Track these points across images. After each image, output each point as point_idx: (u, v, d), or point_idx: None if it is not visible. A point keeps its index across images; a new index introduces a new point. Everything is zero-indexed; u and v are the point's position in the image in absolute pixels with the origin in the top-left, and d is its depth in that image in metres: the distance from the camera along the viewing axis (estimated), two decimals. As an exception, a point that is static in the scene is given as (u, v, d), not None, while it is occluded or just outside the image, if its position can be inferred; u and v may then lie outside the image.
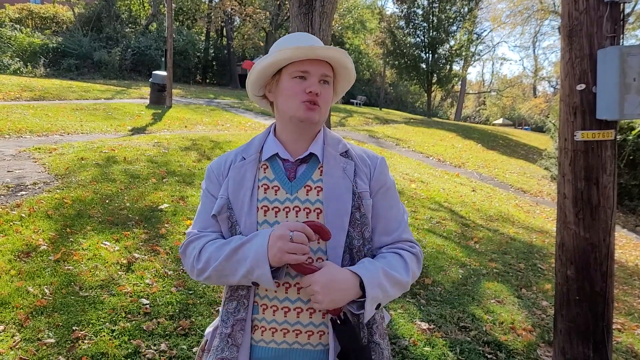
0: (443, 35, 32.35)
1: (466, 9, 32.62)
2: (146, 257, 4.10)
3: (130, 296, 3.43)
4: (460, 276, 4.76)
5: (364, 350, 1.24)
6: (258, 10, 29.26)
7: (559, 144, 3.04)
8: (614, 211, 2.86)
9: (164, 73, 14.78)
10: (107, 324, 3.07)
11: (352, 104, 30.42)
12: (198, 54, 31.06)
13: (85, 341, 2.87)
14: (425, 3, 32.28)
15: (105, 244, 4.20)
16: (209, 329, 1.41)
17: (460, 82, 43.24)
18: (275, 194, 1.30)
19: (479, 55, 40.89)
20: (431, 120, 27.56)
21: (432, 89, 35.03)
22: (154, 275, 3.81)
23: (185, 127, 11.97)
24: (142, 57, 25.53)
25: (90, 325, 3.03)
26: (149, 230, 4.64)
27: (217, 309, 3.41)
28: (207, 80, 33.29)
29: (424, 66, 33.11)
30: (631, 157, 9.98)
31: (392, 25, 33.35)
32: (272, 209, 1.29)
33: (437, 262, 5.01)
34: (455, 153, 15.09)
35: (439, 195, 8.34)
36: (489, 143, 20.00)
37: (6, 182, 5.60)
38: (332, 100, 1.38)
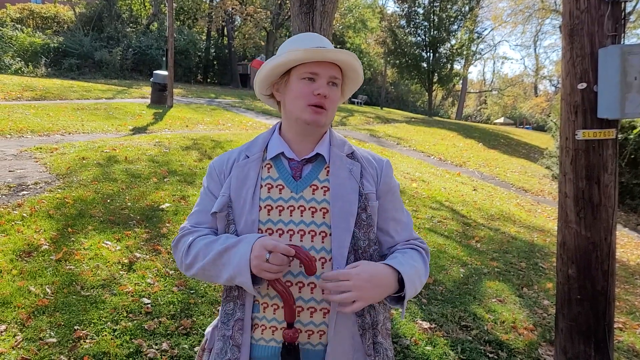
0: (444, 34, 32.32)
1: (467, 8, 32.59)
2: (147, 256, 4.11)
3: (131, 296, 3.44)
4: (462, 275, 4.76)
5: None
6: (259, 9, 29.26)
7: (560, 143, 3.04)
8: (615, 210, 2.85)
9: (165, 72, 14.78)
10: (109, 323, 3.07)
11: (353, 103, 30.40)
12: (199, 53, 31.05)
13: (87, 341, 2.87)
14: (426, 2, 32.25)
15: (106, 244, 4.20)
16: (209, 329, 1.42)
17: (461, 81, 43.21)
18: (280, 193, 1.30)
19: (480, 54, 40.89)
20: (432, 120, 27.56)
21: (433, 88, 35.00)
22: (155, 274, 3.82)
23: (187, 126, 11.97)
24: (143, 57, 25.53)
25: (92, 325, 3.03)
26: (150, 230, 4.64)
27: (218, 308, 3.42)
28: (208, 80, 33.29)
29: (425, 65, 33.08)
30: (632, 156, 9.96)
31: (393, 25, 33.32)
32: (276, 208, 1.29)
33: (439, 262, 5.01)
34: (457, 152, 15.08)
35: (440, 194, 8.33)
36: (490, 142, 19.98)
37: (7, 182, 5.60)
38: (339, 101, 1.39)
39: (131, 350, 2.82)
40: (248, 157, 1.37)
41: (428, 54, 33.05)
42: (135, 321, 3.12)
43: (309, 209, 1.28)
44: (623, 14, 2.74)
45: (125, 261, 3.95)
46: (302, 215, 1.28)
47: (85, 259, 3.90)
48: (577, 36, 2.81)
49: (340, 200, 1.28)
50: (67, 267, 3.73)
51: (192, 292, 3.61)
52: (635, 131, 9.91)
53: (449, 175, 11.05)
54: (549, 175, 13.96)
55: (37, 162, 6.69)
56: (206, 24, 32.69)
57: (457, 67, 37.46)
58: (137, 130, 10.52)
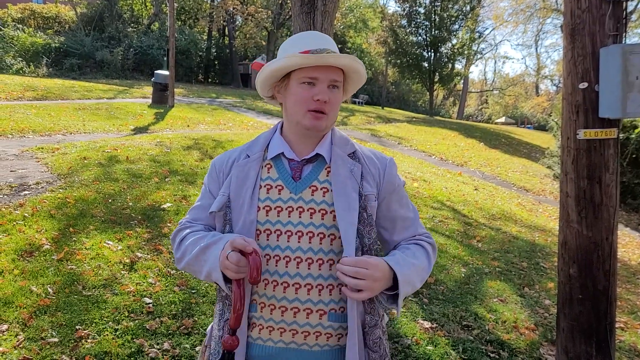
0: (445, 34, 32.32)
1: (468, 8, 32.58)
2: (149, 256, 4.11)
3: (133, 295, 3.44)
4: (463, 275, 4.76)
5: None
6: (260, 9, 29.26)
7: (561, 143, 3.04)
8: (616, 210, 2.85)
9: (166, 72, 14.79)
10: (110, 323, 3.08)
11: (355, 102, 30.40)
12: (200, 53, 31.06)
13: (89, 340, 2.88)
14: (427, 1, 32.25)
15: (108, 244, 4.21)
16: (210, 327, 1.44)
17: (462, 81, 43.18)
18: (279, 194, 1.30)
19: (481, 53, 40.90)
20: (433, 119, 27.54)
21: (434, 87, 35.01)
22: (156, 274, 3.82)
23: (188, 126, 11.98)
24: (144, 57, 25.55)
25: (94, 325, 3.04)
26: (151, 230, 4.65)
27: (219, 308, 3.42)
28: (209, 80, 33.30)
29: (426, 65, 33.09)
30: (634, 156, 9.95)
31: (394, 24, 33.32)
32: (275, 209, 1.29)
33: (440, 261, 5.00)
34: (458, 152, 15.08)
35: (441, 194, 8.33)
36: (491, 142, 19.97)
37: (9, 182, 5.61)
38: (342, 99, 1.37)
39: (133, 349, 2.82)
40: (249, 157, 1.36)
41: (429, 53, 33.05)
42: (136, 321, 3.13)
43: (308, 210, 1.28)
44: (624, 13, 2.74)
45: (127, 261, 3.95)
46: (300, 217, 1.27)
47: (87, 258, 3.90)
48: (578, 36, 2.81)
49: (343, 196, 1.28)
50: (69, 266, 3.74)
51: (193, 291, 3.61)
52: (636, 131, 9.89)
53: (450, 174, 11.04)
54: (550, 175, 13.94)
55: (38, 162, 6.70)
56: (207, 24, 32.72)
57: (458, 66, 37.44)
58: (139, 130, 10.53)
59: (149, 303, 3.37)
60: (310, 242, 1.26)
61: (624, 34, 2.74)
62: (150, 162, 7.02)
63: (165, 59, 23.97)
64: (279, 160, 1.34)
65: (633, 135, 9.89)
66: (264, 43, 34.01)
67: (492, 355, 3.32)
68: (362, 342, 1.27)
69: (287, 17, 30.40)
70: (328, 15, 4.64)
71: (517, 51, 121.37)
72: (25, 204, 4.86)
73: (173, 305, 3.38)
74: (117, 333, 2.98)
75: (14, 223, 4.40)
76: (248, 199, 1.30)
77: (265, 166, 1.34)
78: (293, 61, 1.25)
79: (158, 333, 3.03)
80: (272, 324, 1.27)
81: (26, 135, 8.77)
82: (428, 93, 36.49)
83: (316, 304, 1.25)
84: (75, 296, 3.34)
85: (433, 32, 32.18)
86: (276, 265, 1.26)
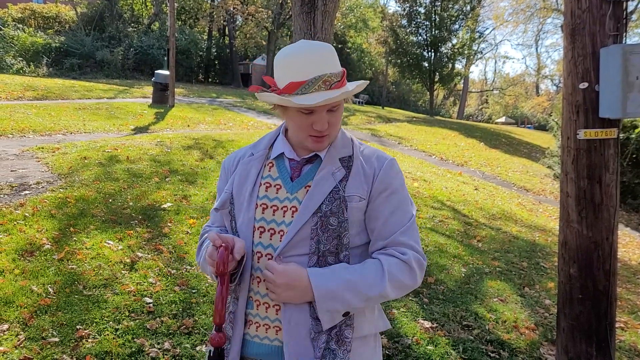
0: (445, 34, 32.34)
1: (468, 7, 32.60)
2: (149, 256, 4.11)
3: (133, 295, 3.44)
4: (463, 275, 4.76)
5: None
6: (260, 9, 29.26)
7: (561, 143, 3.04)
8: (617, 209, 2.85)
9: (166, 72, 14.80)
10: (111, 322, 3.08)
11: (355, 102, 30.40)
12: (200, 53, 31.08)
13: (89, 340, 2.88)
14: (428, 1, 32.27)
15: (108, 243, 4.21)
16: None
17: (462, 81, 43.19)
18: (277, 193, 1.30)
19: (482, 53, 40.86)
20: (433, 119, 27.54)
21: (435, 87, 35.02)
22: (157, 274, 3.82)
23: (188, 126, 11.99)
24: (144, 57, 25.57)
25: (94, 324, 3.04)
26: (152, 229, 4.65)
27: (220, 307, 3.42)
28: (210, 79, 33.31)
29: (426, 65, 33.10)
30: (634, 156, 9.95)
31: (394, 24, 33.33)
32: (271, 207, 1.29)
33: (440, 261, 5.01)
34: (458, 152, 15.08)
35: (442, 193, 8.33)
36: (491, 141, 19.97)
37: (10, 182, 5.62)
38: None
39: (133, 349, 2.82)
40: (252, 155, 1.39)
41: (429, 53, 33.07)
42: (137, 320, 3.13)
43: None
44: (625, 13, 2.74)
45: (127, 261, 3.95)
46: (292, 217, 1.26)
47: (87, 258, 3.91)
48: (578, 36, 2.81)
49: (309, 199, 1.25)
50: (69, 266, 3.74)
51: (193, 291, 3.62)
52: (637, 130, 9.89)
53: (451, 174, 11.05)
54: (550, 175, 13.94)
55: (39, 161, 6.71)
56: (207, 24, 32.72)
57: (459, 66, 37.44)
58: (139, 130, 10.53)
59: (150, 303, 3.37)
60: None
61: (624, 34, 2.74)
62: (150, 162, 7.02)
63: (165, 58, 23.98)
64: (281, 159, 1.35)
65: (633, 135, 9.89)
66: (264, 43, 34.01)
67: (492, 355, 3.32)
68: (303, 341, 1.23)
69: (288, 17, 30.41)
70: (328, 15, 4.65)
71: (517, 51, 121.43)
72: (25, 204, 4.86)
73: (173, 305, 3.38)
74: (118, 333, 2.98)
75: (15, 223, 4.40)
76: (248, 196, 1.31)
77: (268, 165, 1.35)
78: (285, 103, 1.21)
79: (158, 333, 3.04)
80: (268, 322, 1.27)
81: (26, 135, 8.77)
82: (428, 93, 36.50)
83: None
84: (76, 296, 3.34)
85: (433, 32, 32.20)
86: None
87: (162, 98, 14.64)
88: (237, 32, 32.82)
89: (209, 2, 32.92)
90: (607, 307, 2.87)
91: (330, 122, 1.26)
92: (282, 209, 1.28)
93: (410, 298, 4.03)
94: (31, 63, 20.96)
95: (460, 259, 5.20)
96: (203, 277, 3.84)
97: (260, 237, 1.28)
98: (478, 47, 37.68)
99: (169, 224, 4.83)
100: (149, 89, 17.31)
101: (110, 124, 10.81)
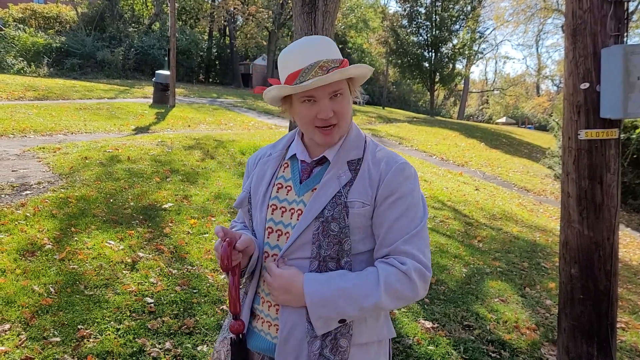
0: (446, 34, 32.36)
1: (469, 8, 32.61)
2: (150, 256, 4.12)
3: (134, 295, 3.45)
4: (464, 275, 4.76)
5: None
6: (261, 9, 29.28)
7: (562, 143, 3.04)
8: (617, 210, 2.85)
9: (167, 72, 14.81)
10: (112, 322, 3.08)
11: (355, 102, 30.32)
12: (201, 53, 31.10)
13: (91, 340, 2.88)
14: (428, 2, 32.28)
15: (109, 243, 4.21)
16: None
17: (463, 81, 43.18)
18: (287, 194, 1.31)
19: (482, 53, 40.89)
20: (434, 119, 27.54)
21: (435, 87, 35.03)
22: (158, 274, 3.83)
23: (189, 126, 11.99)
24: (145, 57, 25.58)
25: (96, 324, 3.04)
26: (153, 229, 4.66)
27: (221, 307, 3.43)
28: (210, 80, 33.33)
29: (427, 65, 33.11)
30: (635, 156, 9.95)
31: (395, 24, 33.35)
32: (280, 209, 1.30)
33: (441, 261, 5.01)
34: (459, 152, 15.08)
35: (442, 194, 8.33)
36: (492, 142, 19.97)
37: (11, 182, 5.62)
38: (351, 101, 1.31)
39: (134, 349, 2.83)
40: (271, 155, 1.40)
41: (430, 53, 33.08)
42: (138, 320, 3.13)
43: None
44: (626, 13, 2.74)
45: (128, 260, 3.96)
46: (298, 219, 1.26)
47: (89, 258, 3.91)
48: (579, 36, 2.81)
49: (313, 204, 1.24)
50: (71, 266, 3.74)
51: (195, 291, 3.62)
52: (637, 131, 9.89)
53: (451, 175, 11.05)
54: (551, 175, 13.94)
55: (40, 161, 6.72)
56: (208, 24, 32.72)
57: (459, 66, 37.47)
58: (140, 130, 10.54)
59: (151, 303, 3.37)
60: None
61: (625, 35, 2.74)
62: (151, 162, 7.03)
63: (166, 59, 23.98)
64: (295, 160, 1.35)
65: (634, 136, 9.89)
66: (264, 43, 34.02)
67: (493, 355, 3.32)
68: (298, 343, 1.23)
69: (288, 17, 30.42)
70: (329, 15, 4.65)
71: (517, 51, 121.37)
72: (26, 204, 4.87)
73: (175, 305, 3.38)
74: (119, 332, 2.99)
75: (16, 223, 4.41)
76: (262, 196, 1.34)
77: (283, 165, 1.36)
78: (284, 91, 1.23)
79: (160, 333, 3.04)
80: (270, 320, 1.29)
81: (27, 135, 8.78)
82: (429, 93, 36.51)
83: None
84: (77, 296, 3.35)
85: (434, 32, 32.22)
86: None
87: (162, 98, 14.66)
88: (238, 32, 32.84)
89: (210, 2, 32.93)
90: (608, 307, 2.87)
91: (336, 110, 1.23)
92: (289, 210, 1.28)
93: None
94: (32, 63, 20.97)
95: (461, 259, 5.20)
96: (204, 277, 3.85)
97: (268, 238, 1.30)
98: (479, 48, 37.71)
99: (170, 224, 4.83)
100: (149, 89, 17.32)
101: (111, 124, 10.81)
